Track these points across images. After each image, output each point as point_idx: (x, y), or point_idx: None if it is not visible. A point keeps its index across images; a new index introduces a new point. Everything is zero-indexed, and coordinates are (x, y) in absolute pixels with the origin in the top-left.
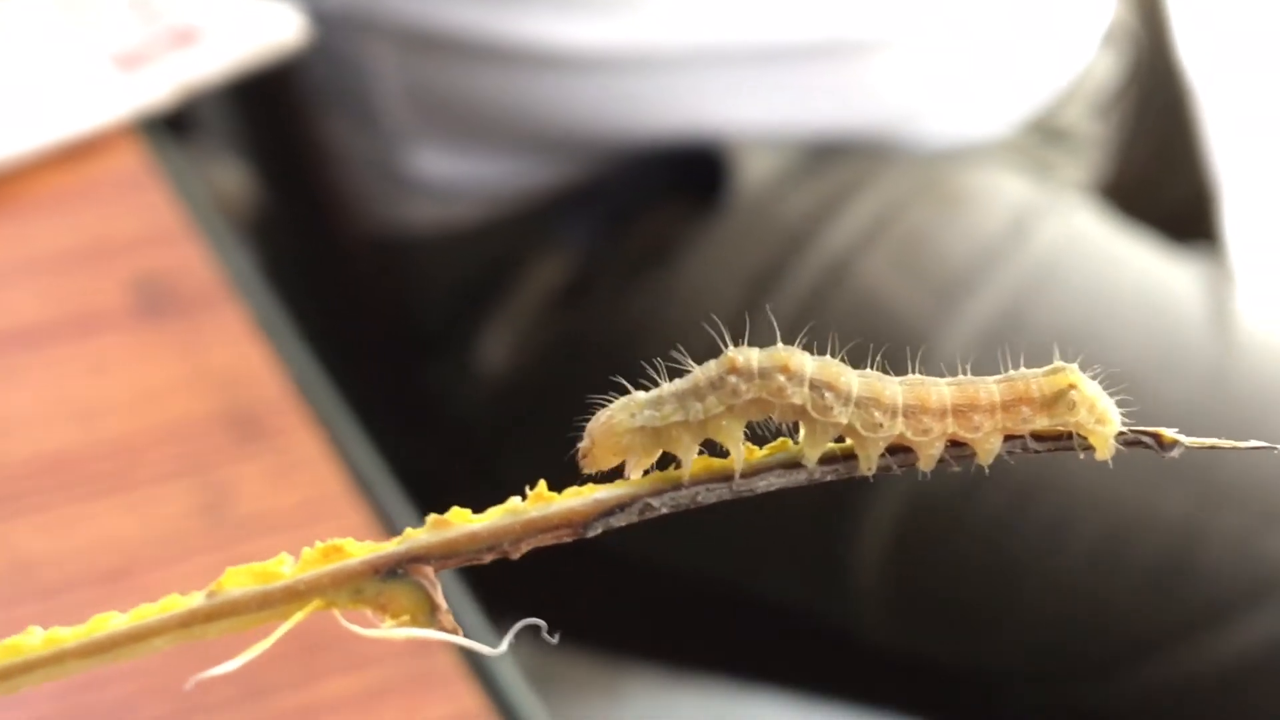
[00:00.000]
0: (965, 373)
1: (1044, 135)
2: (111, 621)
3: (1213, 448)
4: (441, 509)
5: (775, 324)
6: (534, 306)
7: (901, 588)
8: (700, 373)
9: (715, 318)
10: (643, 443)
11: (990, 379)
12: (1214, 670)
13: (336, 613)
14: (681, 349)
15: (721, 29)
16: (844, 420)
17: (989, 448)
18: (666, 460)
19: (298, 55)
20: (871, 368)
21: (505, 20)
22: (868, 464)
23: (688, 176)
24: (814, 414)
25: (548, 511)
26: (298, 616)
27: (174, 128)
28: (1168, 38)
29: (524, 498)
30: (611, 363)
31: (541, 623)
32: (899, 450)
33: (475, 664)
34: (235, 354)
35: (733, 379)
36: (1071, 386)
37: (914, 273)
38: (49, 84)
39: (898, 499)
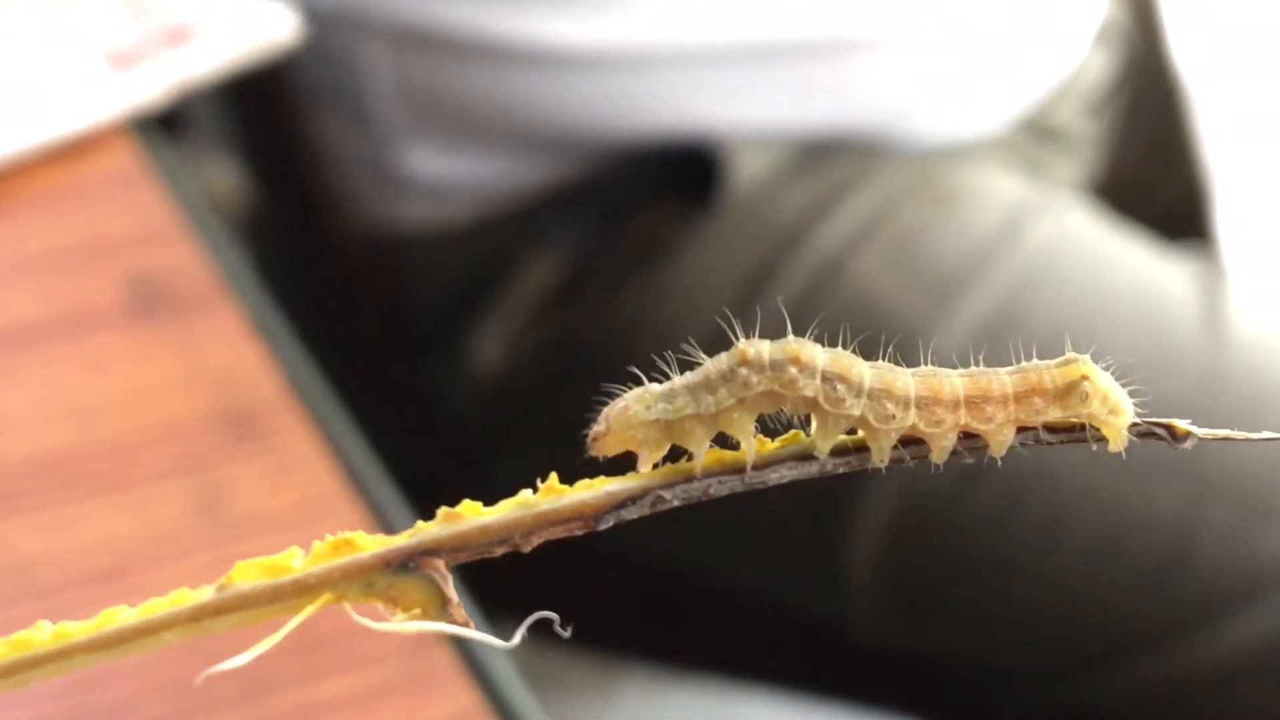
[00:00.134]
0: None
1: (1037, 134)
2: (120, 616)
3: (1225, 439)
4: (435, 507)
5: (769, 323)
6: (527, 305)
7: (895, 586)
8: (711, 365)
9: (709, 317)
10: (655, 436)
11: (1003, 370)
12: (1208, 668)
13: (348, 606)
14: (681, 346)
15: (714, 28)
16: (856, 412)
17: (1002, 439)
18: (674, 453)
19: (291, 54)
20: None
21: (498, 19)
22: (880, 456)
23: (681, 175)
24: (826, 406)
25: (559, 504)
26: (308, 610)
27: (167, 127)
28: (1160, 36)
29: (535, 490)
30: (605, 361)
31: (554, 616)
32: (911, 442)
33: (473, 663)
34: (230, 353)
35: (744, 371)
36: (1084, 378)
37: (908, 271)
38: (43, 83)
39: (891, 497)
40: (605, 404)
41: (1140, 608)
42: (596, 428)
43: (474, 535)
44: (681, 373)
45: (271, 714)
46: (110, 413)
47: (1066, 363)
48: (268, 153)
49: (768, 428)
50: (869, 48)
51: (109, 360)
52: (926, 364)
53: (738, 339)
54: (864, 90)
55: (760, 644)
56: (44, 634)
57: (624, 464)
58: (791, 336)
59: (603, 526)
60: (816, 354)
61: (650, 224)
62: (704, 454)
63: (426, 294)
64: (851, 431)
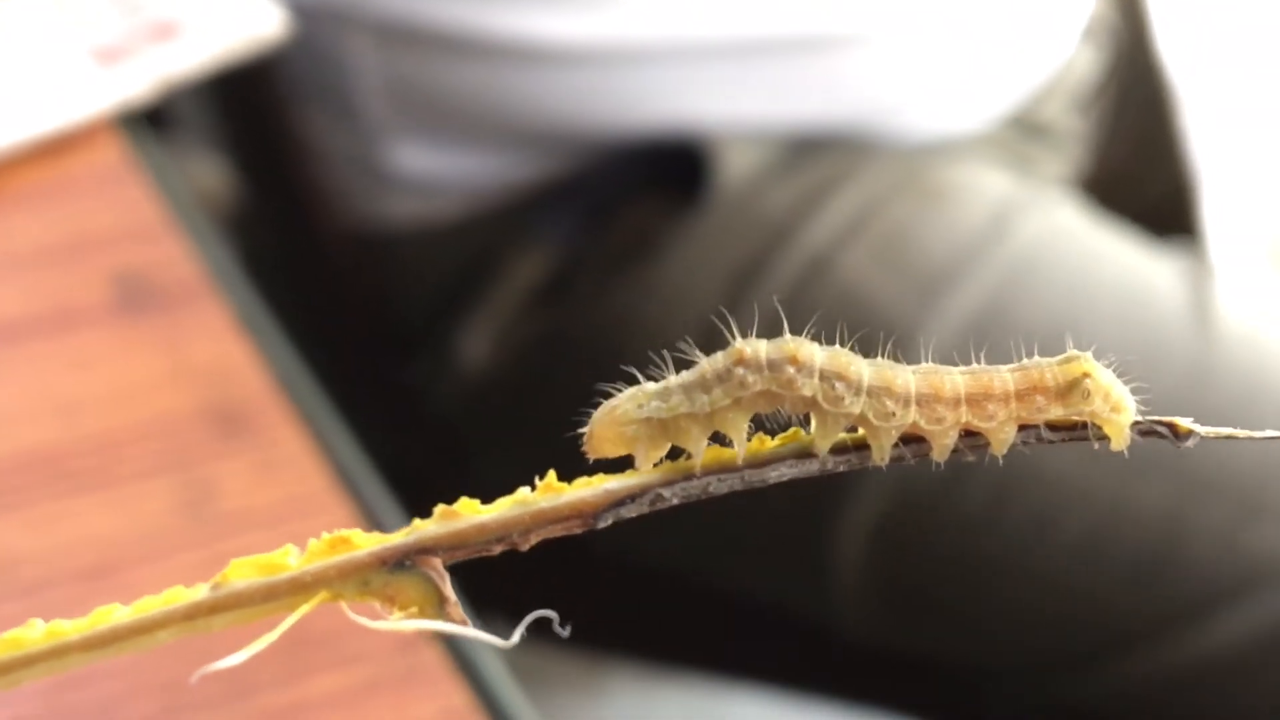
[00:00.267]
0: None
1: (1024, 130)
2: (114, 615)
3: (1228, 438)
4: (423, 505)
5: (758, 319)
6: (515, 302)
7: (885, 584)
8: (707, 365)
9: (697, 313)
10: (649, 434)
11: (1004, 367)
12: (1198, 664)
13: (343, 604)
14: (672, 343)
15: (702, 23)
16: (856, 410)
17: (1003, 437)
18: (675, 453)
19: (278, 50)
20: None
21: (485, 15)
22: (880, 454)
23: (669, 171)
24: (825, 405)
25: (557, 502)
26: (304, 609)
27: (154, 123)
28: (1147, 32)
29: (532, 488)
30: (592, 358)
31: (553, 614)
32: (912, 440)
33: (463, 661)
34: (217, 349)
35: (740, 371)
36: (1086, 375)
37: (895, 268)
38: (28, 78)
39: (879, 495)
40: (599, 403)
41: (1130, 604)
42: (589, 428)
43: (471, 533)
44: (677, 370)
45: (260, 712)
46: (96, 409)
47: (1068, 360)
48: (254, 149)
49: (768, 425)
50: (857, 44)
51: (95, 356)
52: (915, 360)
53: (733, 338)
54: (852, 86)
55: (750, 641)
56: (36, 633)
57: (619, 462)
58: (788, 335)
59: (602, 525)
60: (814, 352)
61: (638, 220)
62: (703, 452)
63: (414, 291)
64: (852, 430)
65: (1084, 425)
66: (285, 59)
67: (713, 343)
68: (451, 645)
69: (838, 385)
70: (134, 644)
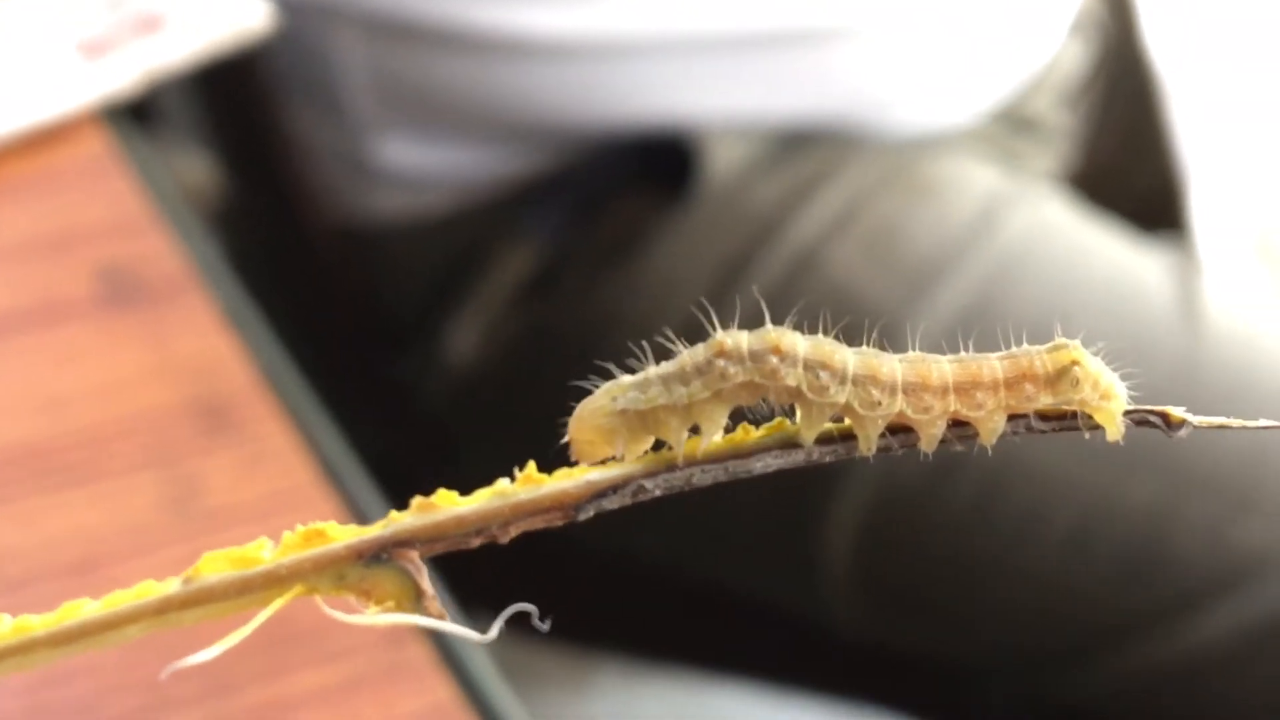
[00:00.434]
0: None
1: (1012, 125)
2: (83, 609)
3: (1221, 427)
4: (410, 499)
5: (745, 313)
6: (503, 297)
7: (872, 579)
8: (687, 356)
9: (685, 308)
10: (628, 426)
11: (993, 356)
12: (1186, 659)
13: (319, 599)
14: (657, 337)
15: (689, 17)
16: (841, 399)
17: (992, 426)
18: (662, 447)
19: (264, 43)
20: None
21: (472, 8)
22: (867, 444)
23: (656, 166)
24: (810, 395)
25: (538, 494)
26: (278, 603)
27: (138, 117)
28: (1135, 27)
29: (512, 479)
30: (580, 353)
31: (532, 609)
32: (900, 430)
33: (448, 656)
34: (203, 344)
35: (721, 362)
36: (1075, 363)
37: (884, 262)
38: (13, 71)
39: (867, 490)
40: (579, 400)
41: (1119, 599)
42: (569, 430)
43: (449, 525)
44: (658, 363)
45: (240, 710)
46: (81, 404)
47: (1056, 347)
48: (240, 144)
49: (749, 417)
50: (844, 38)
51: (80, 350)
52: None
53: (715, 330)
54: (839, 80)
55: (738, 637)
56: (3, 628)
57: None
58: (770, 325)
59: (583, 517)
60: (797, 342)
61: (626, 215)
62: (684, 444)
63: (402, 285)
64: (838, 420)
65: (1074, 414)
66: (271, 53)
67: (700, 337)
68: (437, 641)
69: (822, 374)
70: (103, 639)
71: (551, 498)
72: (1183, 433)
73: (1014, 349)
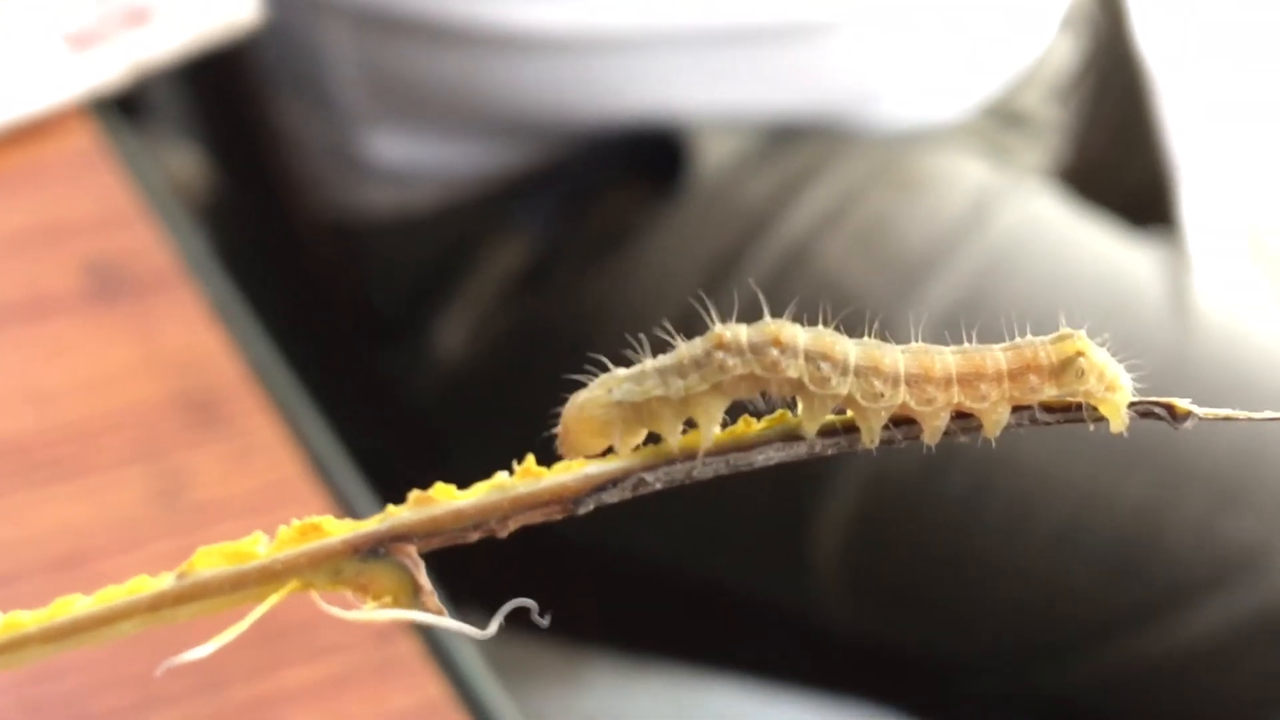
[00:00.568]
0: None
1: (1003, 119)
2: (75, 605)
3: (1227, 419)
4: (399, 497)
5: (736, 308)
6: (492, 291)
7: (862, 574)
8: (685, 349)
9: (675, 302)
10: (623, 419)
11: (996, 346)
12: (1177, 654)
13: (314, 595)
14: (651, 331)
15: (679, 11)
16: (843, 391)
17: (996, 418)
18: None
19: (252, 36)
20: None
21: (463, 2)
22: (870, 436)
23: (647, 160)
24: (811, 386)
25: (537, 487)
26: (274, 598)
27: (126, 110)
28: (1125, 21)
29: (511, 472)
30: (570, 348)
31: (532, 604)
32: (903, 421)
33: (439, 652)
34: (191, 338)
35: (720, 355)
36: (1079, 353)
37: (874, 257)
38: (0, 63)
39: (857, 487)
40: (569, 395)
41: (1109, 594)
42: (559, 429)
43: (448, 520)
44: (654, 355)
45: (230, 706)
46: (69, 398)
47: (1061, 338)
48: (229, 137)
49: (749, 410)
50: (835, 32)
51: (67, 344)
52: None
53: (712, 323)
54: (830, 75)
55: (729, 633)
56: None
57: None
58: (768, 318)
59: (582, 510)
60: (797, 333)
61: (616, 209)
62: (678, 438)
63: (391, 280)
64: (840, 412)
65: (1079, 406)
66: (260, 46)
67: (691, 332)
68: (428, 636)
69: (823, 366)
70: (96, 635)
71: (551, 491)
72: (1188, 424)
73: (1018, 340)
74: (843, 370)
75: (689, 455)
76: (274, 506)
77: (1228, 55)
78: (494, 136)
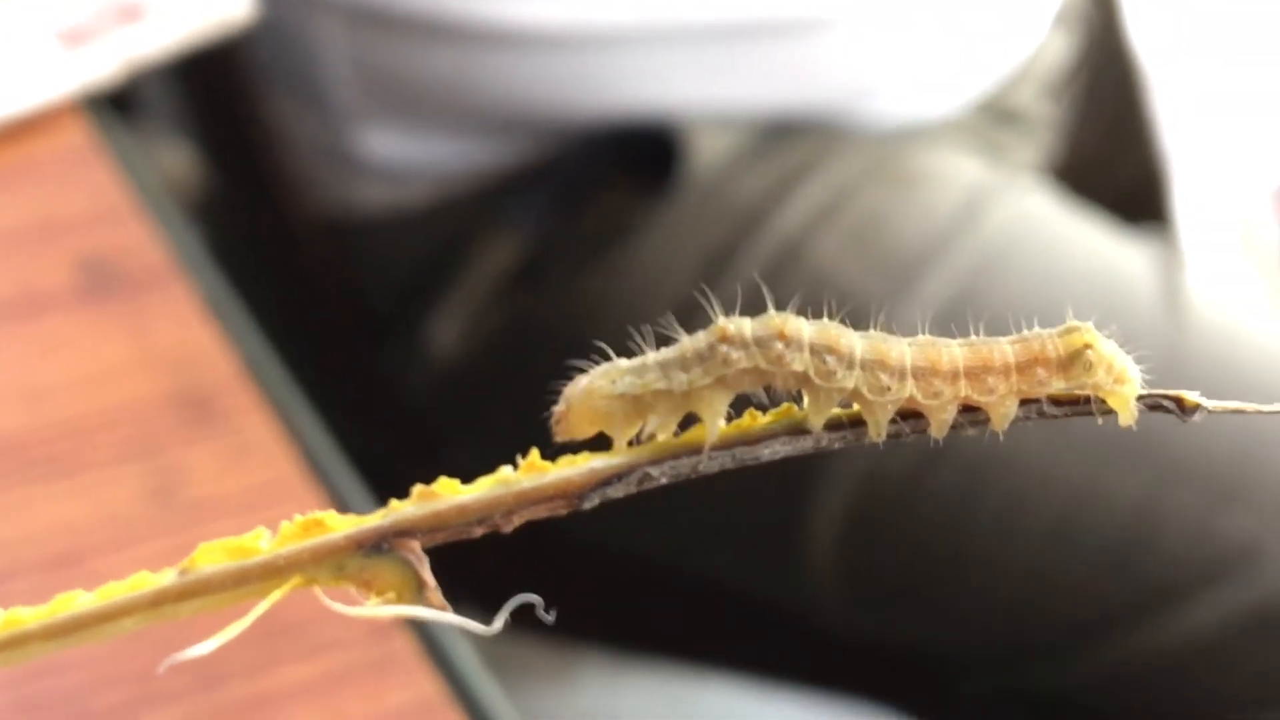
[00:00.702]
0: None
1: (996, 116)
2: (77, 601)
3: (1236, 412)
4: (394, 494)
5: (730, 305)
6: (486, 288)
7: (856, 572)
8: (689, 342)
9: (669, 299)
10: (623, 410)
11: (1004, 339)
12: (1171, 650)
13: (317, 590)
14: (645, 327)
15: (672, 7)
16: (849, 384)
17: (1004, 411)
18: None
19: (245, 33)
20: None
21: None
22: (877, 430)
23: (640, 157)
24: (817, 380)
25: (541, 482)
26: (276, 594)
27: (119, 107)
28: (1119, 19)
29: (515, 467)
30: (564, 344)
31: (537, 600)
32: (909, 415)
33: (435, 649)
34: (185, 335)
35: (724, 348)
36: (1088, 346)
37: (867, 253)
38: None
39: (851, 482)
40: (567, 383)
41: (1102, 591)
42: (558, 408)
43: (451, 515)
44: (656, 348)
45: (227, 703)
46: (62, 395)
47: (1069, 330)
48: (221, 134)
49: (758, 402)
50: (829, 28)
51: (61, 341)
52: None
53: (716, 316)
54: (823, 71)
55: (723, 630)
56: None
57: (590, 444)
58: (772, 310)
59: (587, 505)
60: (802, 326)
61: (609, 206)
62: (671, 432)
63: (385, 277)
64: (846, 405)
65: (1087, 399)
66: (253, 42)
67: (686, 327)
68: (424, 633)
69: (829, 359)
70: (97, 632)
71: (555, 486)
72: (1196, 417)
73: (1025, 332)
74: (848, 364)
75: (694, 449)
76: (269, 504)
77: (1220, 51)
78: (488, 133)
